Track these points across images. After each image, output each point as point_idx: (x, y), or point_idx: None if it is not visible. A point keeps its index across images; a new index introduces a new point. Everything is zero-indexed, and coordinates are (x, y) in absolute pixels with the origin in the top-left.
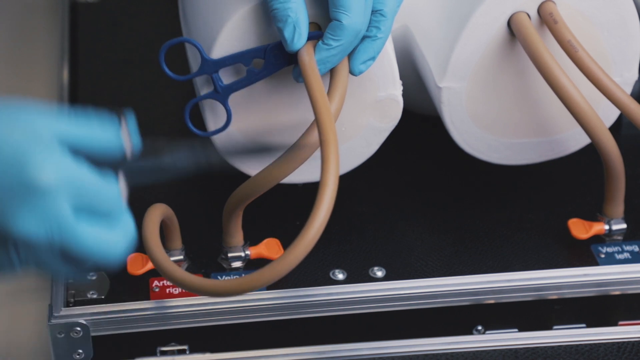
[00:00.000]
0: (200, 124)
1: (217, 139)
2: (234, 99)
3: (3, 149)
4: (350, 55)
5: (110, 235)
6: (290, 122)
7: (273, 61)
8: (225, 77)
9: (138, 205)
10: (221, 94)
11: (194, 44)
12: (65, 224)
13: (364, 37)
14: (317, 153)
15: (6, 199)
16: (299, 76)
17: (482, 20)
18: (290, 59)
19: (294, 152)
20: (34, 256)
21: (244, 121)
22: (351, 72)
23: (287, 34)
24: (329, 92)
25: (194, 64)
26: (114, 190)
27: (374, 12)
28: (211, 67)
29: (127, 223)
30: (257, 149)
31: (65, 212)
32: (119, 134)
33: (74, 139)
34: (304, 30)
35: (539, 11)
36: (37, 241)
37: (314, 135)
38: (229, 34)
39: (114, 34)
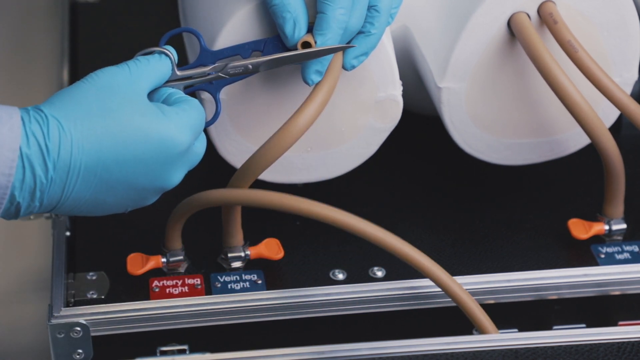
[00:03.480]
0: None
1: (217, 139)
2: (233, 98)
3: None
4: (344, 50)
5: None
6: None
7: (271, 54)
8: None
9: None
10: (214, 85)
11: (194, 33)
12: (194, 157)
13: (358, 33)
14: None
15: (147, 167)
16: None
17: (482, 21)
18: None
19: (280, 135)
20: None
21: (242, 120)
22: (344, 67)
23: (288, 29)
24: (318, 84)
25: (193, 56)
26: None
27: (368, 8)
28: (210, 57)
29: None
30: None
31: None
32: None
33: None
34: (303, 25)
35: (538, 11)
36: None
37: (301, 118)
38: (229, 34)
39: (114, 34)
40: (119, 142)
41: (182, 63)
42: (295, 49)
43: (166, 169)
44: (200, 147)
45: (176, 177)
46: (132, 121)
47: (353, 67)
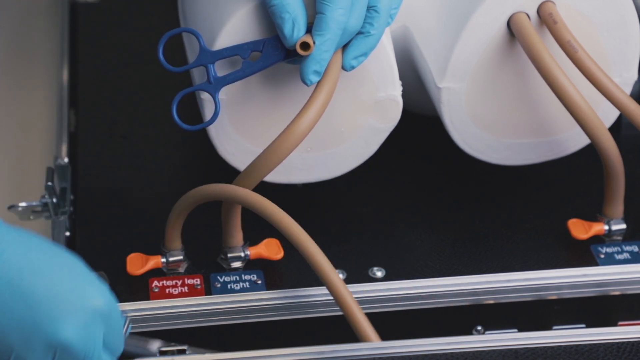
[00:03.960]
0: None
1: (217, 139)
2: (232, 98)
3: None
4: (343, 51)
5: None
6: (287, 119)
7: (270, 54)
8: (221, 71)
9: (138, 205)
10: (213, 85)
11: (193, 33)
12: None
13: (358, 33)
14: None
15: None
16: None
17: (481, 21)
18: (288, 53)
19: (282, 139)
20: None
21: (242, 120)
22: (343, 67)
23: (287, 30)
24: (317, 85)
25: (192, 57)
26: None
27: (368, 8)
28: (209, 57)
29: None
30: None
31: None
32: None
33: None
34: (302, 25)
35: (538, 11)
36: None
37: (303, 120)
38: (229, 34)
39: (114, 34)
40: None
41: (182, 63)
42: (294, 49)
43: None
44: None
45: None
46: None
47: (352, 67)
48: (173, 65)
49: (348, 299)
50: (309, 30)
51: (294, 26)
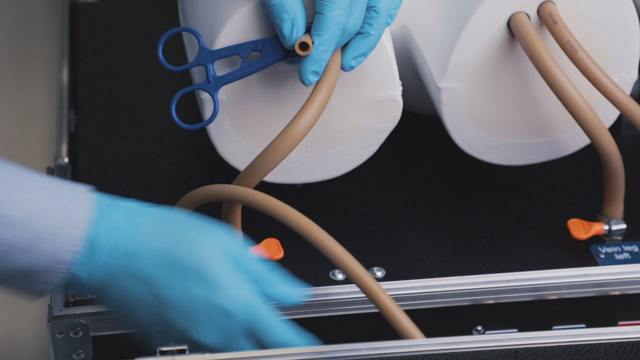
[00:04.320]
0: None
1: (217, 139)
2: (232, 98)
3: (187, 266)
4: (342, 51)
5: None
6: (287, 119)
7: (269, 53)
8: (221, 70)
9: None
10: (212, 84)
11: (193, 32)
12: (236, 343)
13: (357, 34)
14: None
15: (189, 313)
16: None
17: (481, 21)
18: (287, 53)
19: (281, 139)
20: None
21: (242, 120)
22: (342, 68)
23: (286, 30)
24: (316, 85)
25: (192, 56)
26: (282, 328)
27: (367, 9)
28: (208, 57)
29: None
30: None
31: (238, 335)
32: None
33: (246, 263)
34: (301, 25)
35: (538, 12)
36: (209, 347)
37: (302, 121)
38: (229, 34)
39: (114, 34)
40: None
41: (182, 62)
42: (293, 49)
43: (195, 328)
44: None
45: (205, 334)
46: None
47: (351, 67)
48: (173, 64)
49: (375, 288)
50: (308, 30)
51: (293, 26)
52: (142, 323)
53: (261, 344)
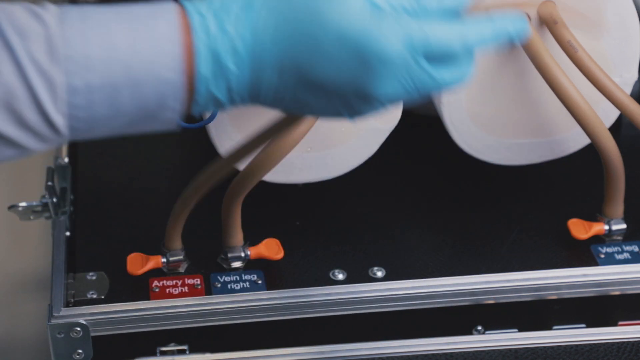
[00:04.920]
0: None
1: (217, 139)
2: None
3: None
4: None
5: (460, 70)
6: None
7: None
8: None
9: (138, 205)
10: None
11: None
12: (420, 76)
13: None
14: (308, 154)
15: (360, 74)
16: None
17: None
18: None
19: (280, 140)
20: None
21: (242, 120)
22: None
23: None
24: None
25: None
26: (464, 34)
27: None
28: None
29: (468, 62)
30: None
31: (417, 68)
32: None
33: None
34: None
35: (538, 11)
36: (400, 100)
37: (301, 122)
38: None
39: None
40: (304, 34)
41: None
42: None
43: (365, 74)
44: (442, 75)
45: (383, 87)
46: (321, 15)
47: None
48: None
49: None
50: None
51: None
52: (317, 107)
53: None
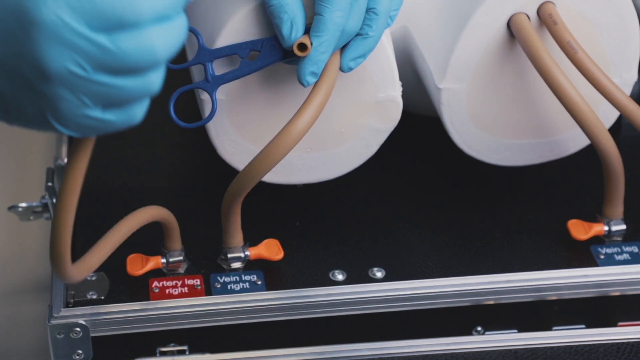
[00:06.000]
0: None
1: (216, 139)
2: (232, 98)
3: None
4: (341, 52)
5: (143, 39)
6: (287, 120)
7: (268, 53)
8: (219, 69)
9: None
10: (211, 83)
11: (193, 31)
12: (87, 42)
13: (357, 35)
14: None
15: (21, 40)
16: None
17: (481, 21)
18: (286, 53)
19: (279, 140)
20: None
21: (242, 120)
22: (341, 69)
23: (285, 30)
24: (315, 85)
25: (191, 55)
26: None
27: (367, 10)
28: (207, 56)
29: (168, 25)
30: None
31: (81, 31)
32: None
33: None
34: (300, 26)
35: (538, 12)
36: (70, 73)
37: (299, 121)
38: (229, 34)
39: None
40: None
41: (181, 61)
42: (292, 49)
43: (27, 41)
44: (110, 41)
45: (51, 57)
46: None
47: (350, 69)
48: (172, 63)
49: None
50: (307, 31)
51: (292, 27)
52: (10, 96)
53: None
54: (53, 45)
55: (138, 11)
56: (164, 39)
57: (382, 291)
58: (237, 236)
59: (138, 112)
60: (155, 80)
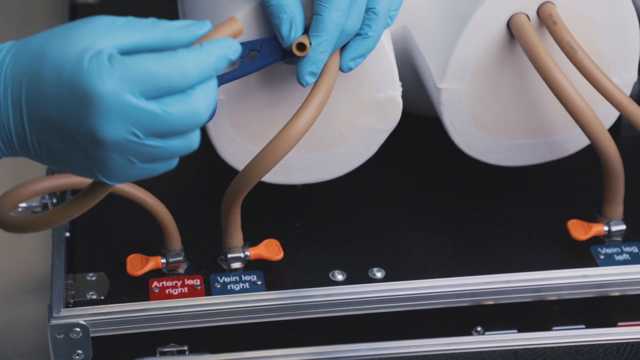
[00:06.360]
0: None
1: (216, 140)
2: (232, 98)
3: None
4: (341, 52)
5: (190, 103)
6: (287, 120)
7: (268, 53)
8: None
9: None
10: None
11: None
12: (141, 112)
13: (356, 35)
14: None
15: (78, 111)
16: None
17: (481, 22)
18: (285, 53)
19: (279, 140)
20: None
21: (241, 120)
22: (340, 69)
23: (284, 30)
24: (314, 85)
25: None
26: (182, 65)
27: (366, 10)
28: None
29: (207, 88)
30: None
31: (136, 102)
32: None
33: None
34: (299, 26)
35: (538, 12)
36: (124, 140)
37: (299, 121)
38: None
39: None
40: (33, 70)
41: None
42: (291, 49)
43: (83, 112)
44: (169, 108)
45: (104, 127)
46: (48, 52)
47: (350, 69)
48: None
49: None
50: (306, 31)
51: (292, 27)
52: (61, 154)
53: None
54: (109, 117)
55: (186, 76)
56: (205, 100)
57: (382, 291)
58: (237, 236)
59: (176, 161)
60: (196, 138)
